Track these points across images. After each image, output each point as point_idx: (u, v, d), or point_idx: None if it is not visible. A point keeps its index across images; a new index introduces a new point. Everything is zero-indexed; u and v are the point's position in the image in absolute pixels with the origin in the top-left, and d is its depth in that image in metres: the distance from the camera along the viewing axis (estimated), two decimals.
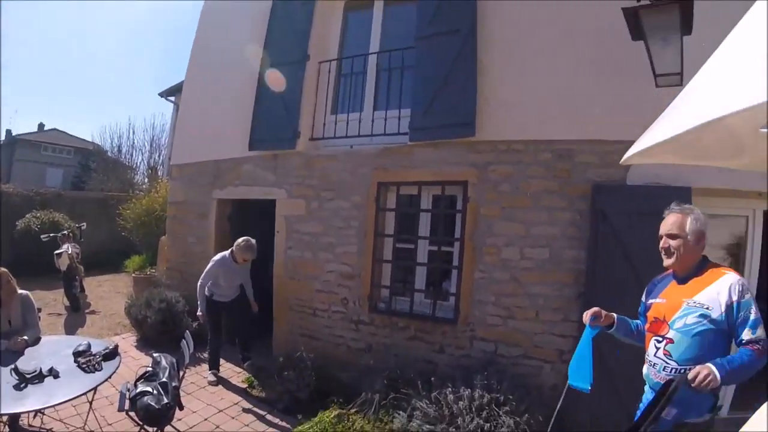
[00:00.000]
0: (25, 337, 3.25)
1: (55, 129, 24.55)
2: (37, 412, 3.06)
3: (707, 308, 1.87)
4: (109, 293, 8.43)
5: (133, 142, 18.05)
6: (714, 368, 1.71)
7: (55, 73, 55.98)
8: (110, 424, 3.41)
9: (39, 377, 2.81)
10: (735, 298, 1.84)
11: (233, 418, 3.81)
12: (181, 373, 3.30)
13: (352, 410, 3.56)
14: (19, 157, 21.21)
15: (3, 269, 3.37)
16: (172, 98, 12.97)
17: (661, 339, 2.01)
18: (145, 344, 5.24)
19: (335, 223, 4.49)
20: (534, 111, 3.74)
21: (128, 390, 3.05)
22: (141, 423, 2.91)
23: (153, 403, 2.85)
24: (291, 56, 4.97)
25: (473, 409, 3.18)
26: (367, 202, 4.35)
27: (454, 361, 3.89)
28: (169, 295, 5.39)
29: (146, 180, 15.65)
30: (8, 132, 22.76)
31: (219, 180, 5.49)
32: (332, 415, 3.39)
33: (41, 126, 24.87)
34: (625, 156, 1.31)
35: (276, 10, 5.26)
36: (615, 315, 2.23)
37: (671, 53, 3.01)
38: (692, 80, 1.11)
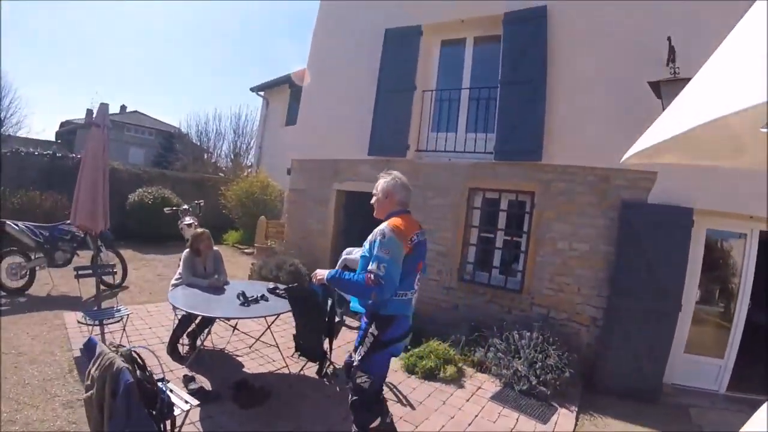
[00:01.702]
0: (220, 278, 4.99)
1: (136, 111, 27.61)
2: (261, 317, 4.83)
3: (365, 242, 2.77)
4: None
5: (218, 130, 20.99)
6: (326, 272, 2.87)
7: (139, 63, 63.82)
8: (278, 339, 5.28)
9: (256, 300, 4.52)
10: (373, 239, 2.68)
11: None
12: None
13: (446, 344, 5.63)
14: None
15: (205, 230, 5.31)
16: (262, 93, 15.50)
17: None
18: None
19: (435, 215, 6.62)
20: (584, 144, 5.65)
21: None
22: None
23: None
24: (402, 85, 7.06)
25: (531, 345, 5.13)
26: (460, 201, 6.46)
27: (518, 319, 5.82)
28: (296, 261, 7.69)
29: (230, 165, 18.32)
30: (89, 111, 25.30)
31: (338, 175, 7.74)
32: (435, 343, 5.49)
33: (123, 108, 27.93)
34: (625, 156, 1.41)
35: (387, 46, 7.31)
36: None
37: None
38: (692, 80, 1.17)
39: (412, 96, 6.97)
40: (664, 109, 4.61)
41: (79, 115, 26.23)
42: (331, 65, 8.20)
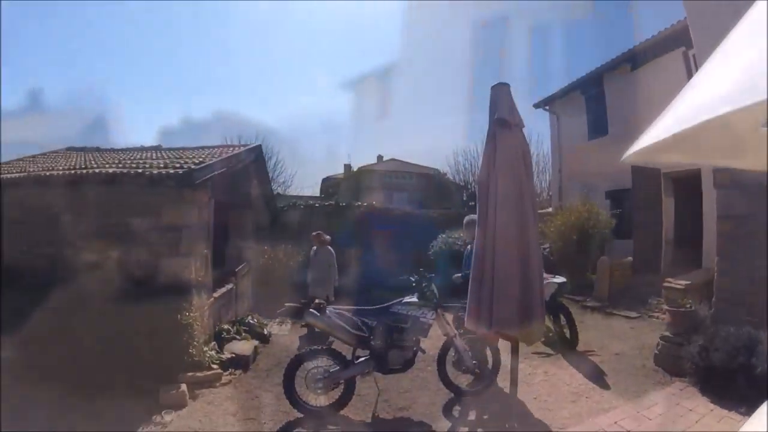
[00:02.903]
0: None
1: (393, 159, 30.02)
2: None
3: None
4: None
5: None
6: None
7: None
8: None
9: None
10: None
11: None
12: None
13: None
14: (366, 184, 25.99)
15: None
16: (547, 107, 13.73)
17: None
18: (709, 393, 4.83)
19: None
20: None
21: None
22: None
23: None
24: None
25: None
26: None
27: None
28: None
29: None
30: (348, 166, 30.24)
31: None
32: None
33: (380, 157, 31.04)
34: (624, 155, 1.21)
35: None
36: None
37: None
38: (692, 79, 1.09)
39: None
40: None
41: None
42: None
